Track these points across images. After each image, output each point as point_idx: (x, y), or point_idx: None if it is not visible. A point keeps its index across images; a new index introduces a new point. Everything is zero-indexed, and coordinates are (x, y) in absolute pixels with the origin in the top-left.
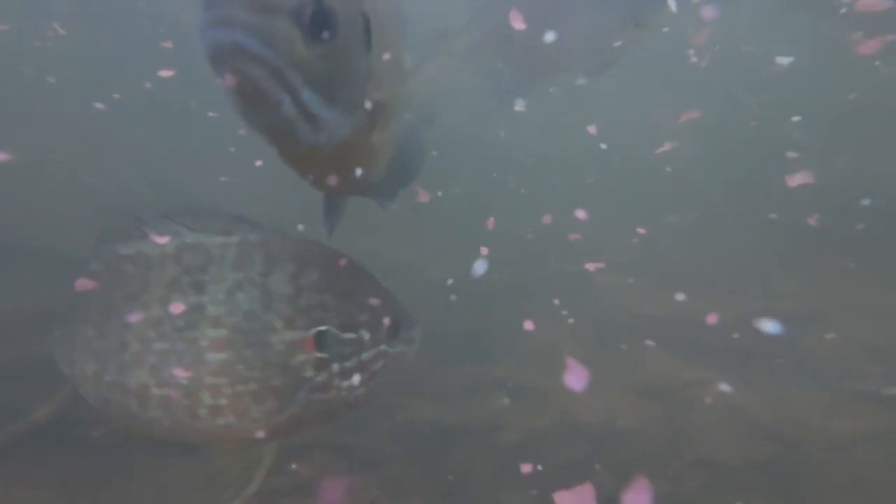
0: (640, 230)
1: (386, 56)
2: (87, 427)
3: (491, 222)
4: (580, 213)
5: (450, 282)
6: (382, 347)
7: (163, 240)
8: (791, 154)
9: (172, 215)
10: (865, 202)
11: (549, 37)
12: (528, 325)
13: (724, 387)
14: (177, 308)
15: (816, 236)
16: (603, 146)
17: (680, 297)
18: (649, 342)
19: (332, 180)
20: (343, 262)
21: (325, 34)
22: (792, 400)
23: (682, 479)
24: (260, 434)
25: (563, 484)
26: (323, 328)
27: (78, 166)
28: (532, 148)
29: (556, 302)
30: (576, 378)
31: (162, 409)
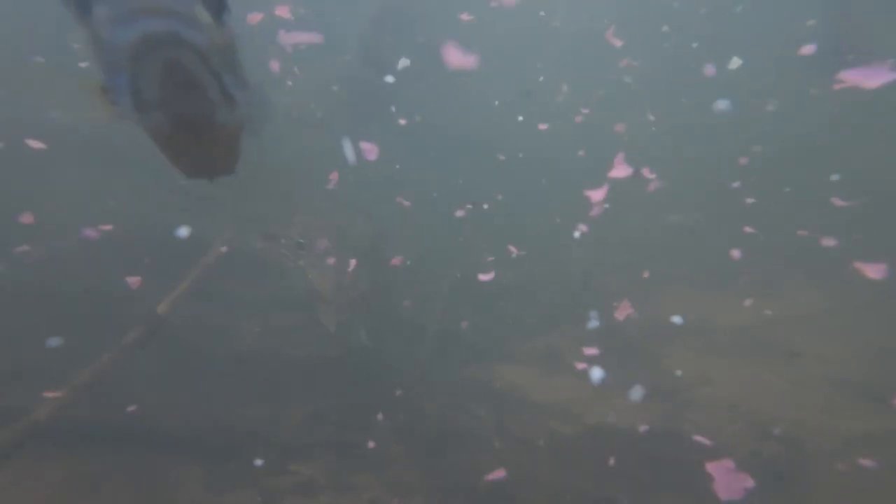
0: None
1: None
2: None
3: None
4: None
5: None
6: None
7: None
8: None
9: None
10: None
11: None
12: (529, 324)
13: (727, 386)
14: None
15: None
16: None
17: (682, 295)
18: (651, 341)
19: (222, 161)
20: None
21: (225, 18)
22: (793, 399)
23: (682, 478)
24: None
25: (566, 483)
26: None
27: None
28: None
29: (558, 300)
30: None
31: None
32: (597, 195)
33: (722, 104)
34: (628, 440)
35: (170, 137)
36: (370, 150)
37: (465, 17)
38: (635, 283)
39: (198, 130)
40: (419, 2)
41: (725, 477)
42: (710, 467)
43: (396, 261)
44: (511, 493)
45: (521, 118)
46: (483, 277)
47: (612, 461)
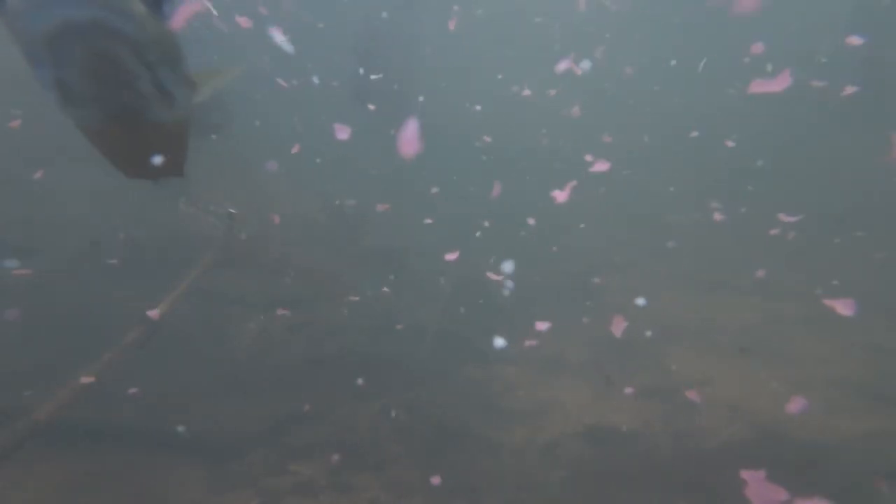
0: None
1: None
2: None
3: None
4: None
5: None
6: None
7: None
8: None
9: None
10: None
11: None
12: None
13: (727, 386)
14: None
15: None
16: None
17: (682, 295)
18: (650, 342)
19: (165, 159)
20: None
21: (164, 9)
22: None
23: (682, 478)
24: None
25: (567, 484)
26: None
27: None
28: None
29: (558, 304)
30: None
31: None
32: (561, 195)
33: (585, 64)
34: (628, 440)
35: (102, 134)
36: (342, 130)
37: (451, 25)
38: (635, 282)
39: (131, 127)
40: (400, 18)
41: (759, 487)
42: (745, 475)
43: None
44: (511, 493)
45: (478, 107)
46: (449, 257)
47: (611, 461)
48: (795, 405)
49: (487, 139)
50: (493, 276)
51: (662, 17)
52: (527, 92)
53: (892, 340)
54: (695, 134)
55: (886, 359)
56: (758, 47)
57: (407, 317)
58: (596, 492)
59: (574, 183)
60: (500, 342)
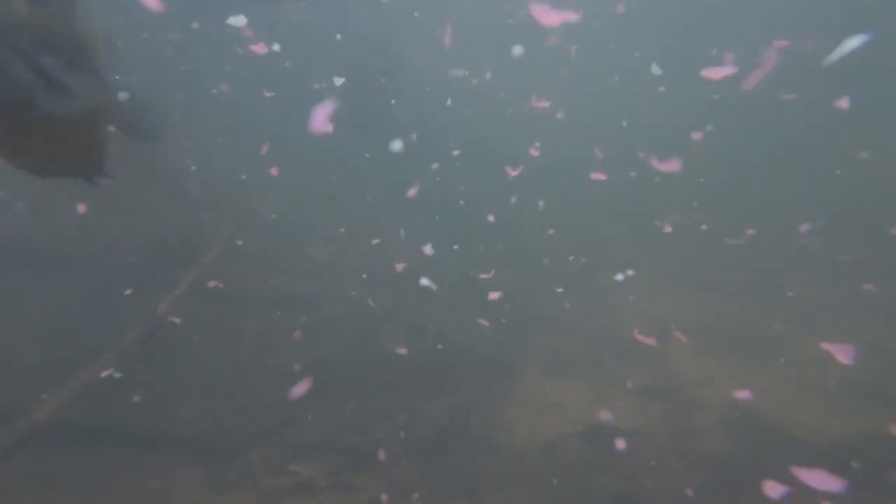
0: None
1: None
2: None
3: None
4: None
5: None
6: None
7: None
8: None
9: None
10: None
11: None
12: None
13: (727, 386)
14: None
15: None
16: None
17: (682, 295)
18: (650, 341)
19: (75, 158)
20: None
21: None
22: (793, 399)
23: (682, 478)
24: None
25: (567, 484)
26: None
27: None
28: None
29: (558, 300)
30: None
31: None
32: (513, 172)
33: (517, 49)
34: (628, 440)
35: None
36: (323, 122)
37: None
38: (635, 282)
39: (14, 120)
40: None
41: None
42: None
43: None
44: (511, 493)
45: (448, 102)
46: (424, 254)
47: (611, 461)
48: (742, 395)
49: (471, 142)
50: (486, 276)
51: (661, 18)
52: (499, 76)
53: (892, 340)
54: (691, 134)
55: (886, 359)
56: (729, 58)
57: (406, 316)
58: (596, 492)
59: (522, 167)
60: (425, 282)
